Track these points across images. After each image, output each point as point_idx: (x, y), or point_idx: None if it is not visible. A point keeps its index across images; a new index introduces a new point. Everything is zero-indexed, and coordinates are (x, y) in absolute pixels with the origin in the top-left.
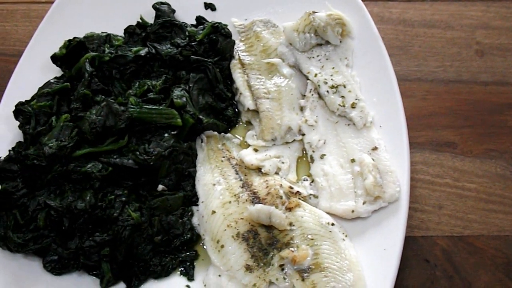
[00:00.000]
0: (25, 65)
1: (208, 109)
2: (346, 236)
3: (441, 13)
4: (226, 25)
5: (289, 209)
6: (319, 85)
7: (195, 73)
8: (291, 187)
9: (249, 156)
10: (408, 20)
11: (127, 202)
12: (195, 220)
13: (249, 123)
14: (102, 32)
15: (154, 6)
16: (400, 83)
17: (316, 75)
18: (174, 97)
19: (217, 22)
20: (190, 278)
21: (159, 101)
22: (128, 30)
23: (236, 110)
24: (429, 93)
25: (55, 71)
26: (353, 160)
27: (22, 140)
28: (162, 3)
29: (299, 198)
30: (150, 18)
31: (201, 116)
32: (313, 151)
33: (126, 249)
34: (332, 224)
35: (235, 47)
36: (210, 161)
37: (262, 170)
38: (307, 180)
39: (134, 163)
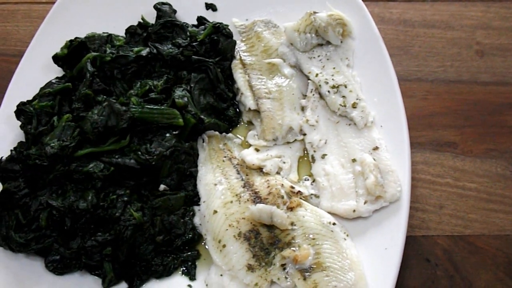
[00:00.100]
0: (26, 65)
1: (209, 109)
2: (347, 235)
3: (441, 13)
4: (227, 26)
5: (291, 208)
6: (320, 85)
7: (197, 73)
8: (292, 187)
9: (251, 156)
10: (409, 21)
11: (129, 202)
12: (196, 220)
13: (250, 123)
14: (104, 32)
15: (155, 7)
16: (401, 83)
17: (317, 75)
18: (175, 97)
19: (218, 23)
20: (192, 277)
21: (160, 101)
22: (130, 30)
23: (237, 110)
24: (430, 93)
25: (57, 71)
26: (354, 160)
27: (23, 140)
28: (163, 3)
29: (301, 198)
30: (151, 18)
31: (202, 116)
32: (314, 151)
33: (128, 249)
34: (334, 224)
35: (236, 47)
36: (212, 161)
37: (264, 170)
38: (308, 180)
39: (136, 163)
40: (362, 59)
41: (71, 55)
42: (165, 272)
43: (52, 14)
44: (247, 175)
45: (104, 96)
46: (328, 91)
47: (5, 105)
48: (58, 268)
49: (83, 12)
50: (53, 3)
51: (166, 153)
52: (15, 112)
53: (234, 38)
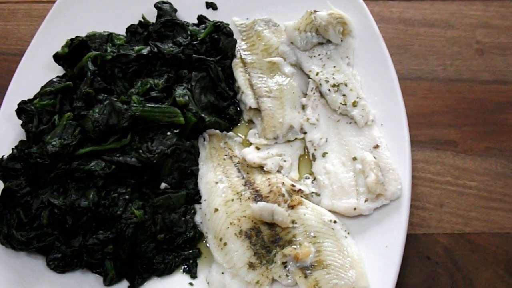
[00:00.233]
0: (27, 64)
1: (210, 107)
2: (348, 233)
3: (441, 12)
4: (227, 24)
5: (291, 207)
6: (320, 84)
7: (197, 72)
8: (293, 185)
9: (251, 155)
10: (409, 19)
11: (130, 200)
12: (197, 218)
13: (251, 121)
14: (104, 31)
15: (156, 5)
16: (401, 82)
17: (317, 73)
18: (176, 95)
19: (218, 21)
20: (193, 275)
21: (161, 99)
22: (130, 29)
23: (238, 108)
24: (430, 92)
25: (57, 70)
26: (354, 158)
27: (24, 139)
28: (164, 2)
29: (301, 196)
30: (152, 17)
31: (203, 115)
32: (315, 149)
33: (129, 247)
34: (334, 222)
35: (236, 46)
36: (213, 160)
37: (264, 168)
38: (309, 178)
39: (137, 161)
40: (362, 57)
41: (72, 54)
42: (166, 270)
43: (53, 13)
44: (248, 173)
45: (105, 95)
46: (329, 90)
47: (6, 104)
48: (60, 266)
49: (84, 11)
50: (54, 2)
51: (167, 152)
52: (16, 111)
53: (235, 37)
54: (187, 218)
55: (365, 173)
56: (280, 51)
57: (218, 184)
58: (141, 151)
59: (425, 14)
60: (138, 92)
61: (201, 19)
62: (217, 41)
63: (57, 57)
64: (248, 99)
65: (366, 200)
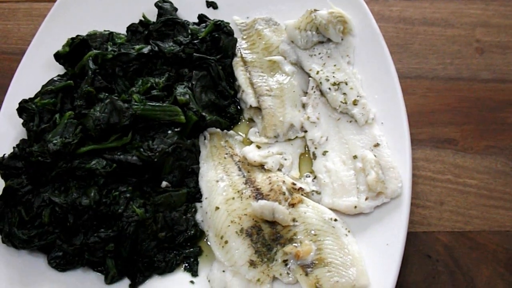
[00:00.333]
0: (28, 64)
1: (211, 106)
2: (349, 231)
3: (441, 11)
4: (228, 23)
5: (292, 205)
6: (321, 83)
7: (198, 70)
8: (294, 184)
9: (252, 153)
10: (409, 18)
11: (132, 199)
12: (198, 217)
13: (251, 120)
14: (105, 30)
15: (156, 4)
16: (401, 80)
17: (318, 72)
18: (177, 94)
19: (219, 20)
20: (194, 274)
21: (162, 98)
22: (131, 28)
23: (239, 107)
24: (430, 91)
25: (58, 69)
26: (355, 157)
27: (26, 137)
28: (164, 1)
29: (302, 194)
30: (152, 16)
31: (204, 113)
32: (316, 148)
33: (130, 245)
34: (335, 220)
35: (237, 45)
36: (213, 158)
37: (265, 167)
38: (309, 176)
39: (138, 159)
40: (362, 56)
41: (73, 53)
42: (167, 268)
43: (53, 12)
44: (248, 172)
45: (106, 94)
46: (329, 88)
47: (7, 103)
48: (61, 264)
49: (84, 10)
50: (54, 1)
51: (168, 150)
52: (17, 109)
53: (235, 36)
54: (188, 217)
55: (365, 171)
56: (281, 50)
57: (219, 183)
58: (142, 149)
59: (425, 13)
60: (139, 90)
61: (202, 18)
62: (218, 40)
63: (58, 56)
64: (249, 98)
65: (366, 198)
